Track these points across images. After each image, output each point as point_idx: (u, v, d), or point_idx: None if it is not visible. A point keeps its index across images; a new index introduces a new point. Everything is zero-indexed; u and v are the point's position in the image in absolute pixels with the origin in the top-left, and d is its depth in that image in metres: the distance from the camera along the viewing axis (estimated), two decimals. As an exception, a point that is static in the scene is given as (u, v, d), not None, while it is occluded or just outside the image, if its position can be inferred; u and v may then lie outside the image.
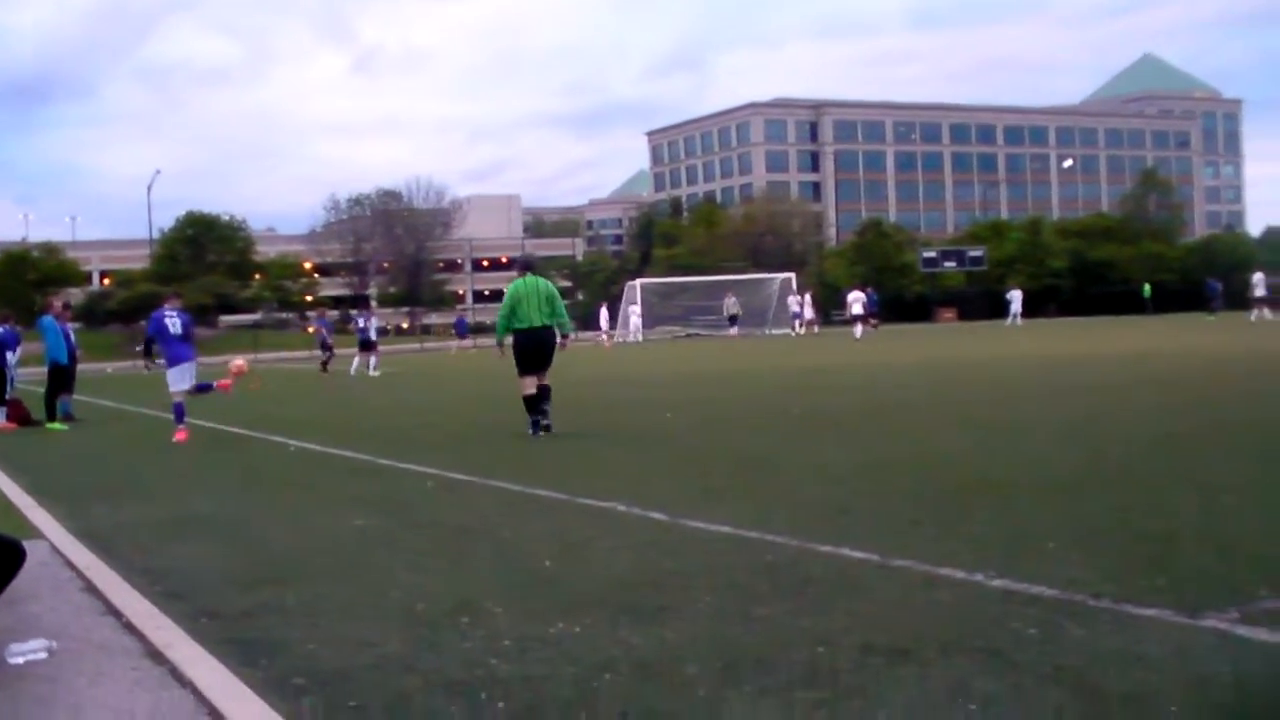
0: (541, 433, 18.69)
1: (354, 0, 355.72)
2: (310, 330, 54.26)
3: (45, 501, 13.83)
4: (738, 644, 6.62)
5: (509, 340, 19.52)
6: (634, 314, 76.77)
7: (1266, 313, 59.92)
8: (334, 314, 69.45)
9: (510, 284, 19.73)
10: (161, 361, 21.93)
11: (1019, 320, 73.73)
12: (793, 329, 74.39)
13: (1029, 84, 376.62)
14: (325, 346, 50.79)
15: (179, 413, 21.58)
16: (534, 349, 19.21)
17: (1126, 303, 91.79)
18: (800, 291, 78.18)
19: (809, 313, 76.52)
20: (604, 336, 74.46)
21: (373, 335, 48.42)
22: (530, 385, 19.01)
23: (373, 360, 46.81)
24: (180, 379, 21.74)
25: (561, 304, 19.91)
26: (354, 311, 65.65)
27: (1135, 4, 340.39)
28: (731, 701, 5.73)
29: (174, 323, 21.83)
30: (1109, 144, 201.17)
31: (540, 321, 19.17)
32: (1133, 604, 6.96)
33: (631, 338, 74.44)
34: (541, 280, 19.63)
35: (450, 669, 6.46)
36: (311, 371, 52.74)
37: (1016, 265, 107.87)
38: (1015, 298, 76.28)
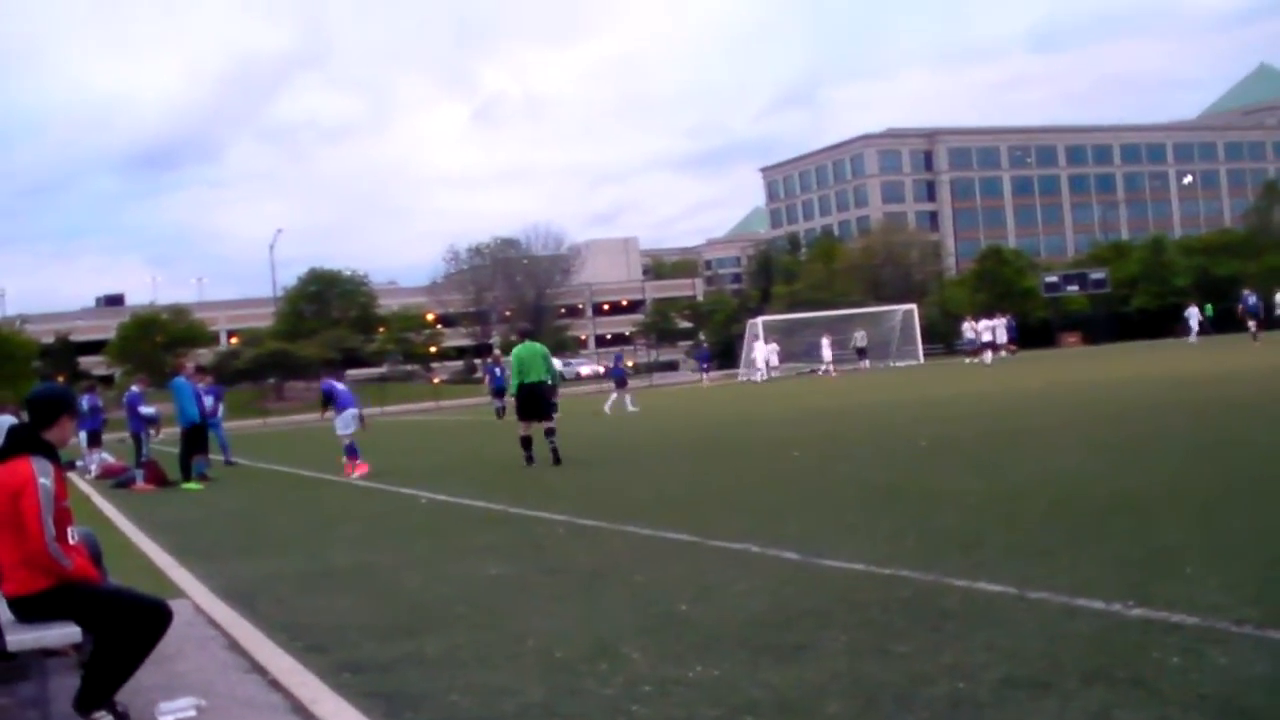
0: (536, 464, 22.88)
1: (475, 51, 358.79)
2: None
3: (185, 560, 14.09)
4: (877, 681, 6.61)
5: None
6: (772, 351, 75.92)
7: None
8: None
9: (515, 348, 24.47)
10: (330, 414, 26.21)
11: (1195, 337, 69.09)
12: (979, 357, 67.44)
13: (1149, 101, 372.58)
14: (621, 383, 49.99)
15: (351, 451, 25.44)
16: (533, 399, 23.48)
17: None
18: (991, 316, 74.24)
19: (1002, 335, 71.99)
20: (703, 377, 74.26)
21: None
22: (526, 429, 23.38)
23: (628, 397, 47.19)
24: (346, 424, 25.60)
25: (553, 363, 24.55)
26: (488, 360, 65.53)
27: (1252, 14, 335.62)
28: (874, 739, 5.73)
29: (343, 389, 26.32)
30: (1229, 157, 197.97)
31: (538, 378, 23.51)
32: (1277, 629, 6.86)
33: (759, 375, 73.59)
34: (538, 344, 24.50)
35: (592, 714, 6.51)
36: (437, 422, 53.17)
37: (1140, 285, 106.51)
38: (1193, 314, 70.73)
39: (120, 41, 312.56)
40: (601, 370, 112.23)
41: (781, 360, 76.15)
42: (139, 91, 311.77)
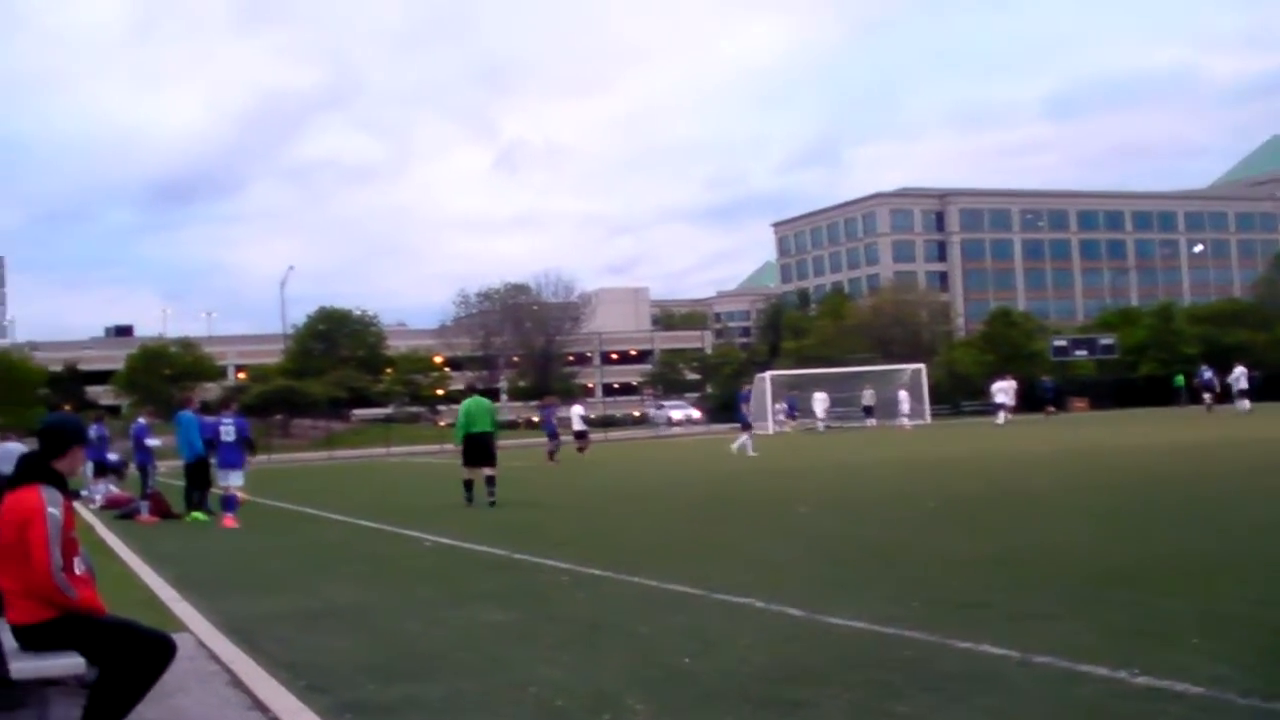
0: (478, 505, 24.98)
1: (498, 98, 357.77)
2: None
3: (188, 593, 14.06)
4: (878, 741, 6.61)
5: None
6: (781, 410, 75.31)
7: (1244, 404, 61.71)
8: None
9: (463, 401, 27.30)
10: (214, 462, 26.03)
11: (1245, 401, 63.38)
12: (999, 418, 66.75)
13: (1161, 169, 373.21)
14: (746, 425, 48.90)
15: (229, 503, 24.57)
16: (479, 448, 25.97)
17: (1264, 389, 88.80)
18: (1004, 378, 73.56)
19: (1010, 400, 71.02)
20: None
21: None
22: (468, 474, 25.97)
23: (748, 440, 46.11)
24: (224, 478, 25.22)
25: (496, 416, 27.56)
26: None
27: (1265, 88, 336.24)
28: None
29: (228, 430, 25.34)
30: (1240, 228, 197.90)
31: (483, 428, 26.07)
32: (1281, 702, 6.86)
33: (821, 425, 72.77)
34: (484, 399, 27.30)
35: (593, 764, 6.51)
36: (441, 465, 53.17)
37: (1148, 352, 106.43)
38: (1241, 374, 64.89)
39: (147, 75, 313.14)
40: (697, 415, 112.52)
41: (790, 416, 75.73)
42: (162, 125, 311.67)
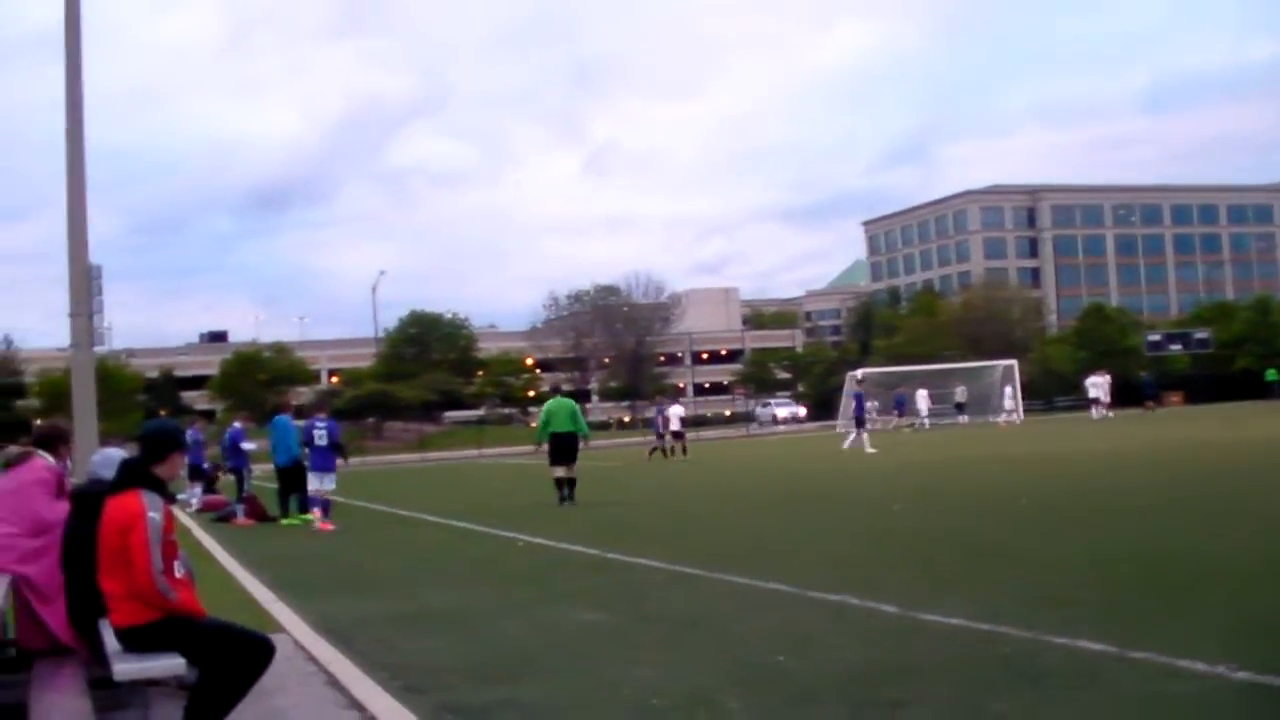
0: (567, 504, 25.69)
1: (588, 101, 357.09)
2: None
3: (284, 595, 14.17)
4: (976, 738, 6.57)
5: (545, 444, 27.04)
6: (874, 408, 74.82)
7: None
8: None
9: (546, 402, 28.51)
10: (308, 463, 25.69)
11: None
12: (1093, 413, 67.76)
13: (1257, 161, 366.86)
14: (860, 422, 48.77)
15: (323, 506, 24.99)
16: (561, 447, 26.62)
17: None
18: (1099, 373, 73.39)
19: (1105, 395, 70.99)
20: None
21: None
22: (558, 471, 26.59)
23: (864, 437, 45.86)
24: (317, 481, 25.20)
25: (581, 416, 27.64)
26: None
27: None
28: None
29: (321, 434, 25.31)
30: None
31: (565, 428, 26.60)
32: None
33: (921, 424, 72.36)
34: (567, 400, 28.20)
35: (689, 763, 6.51)
36: (534, 466, 53.39)
37: (1245, 346, 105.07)
38: None
39: (241, 85, 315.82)
40: (802, 412, 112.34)
41: (899, 413, 75.26)
42: (256, 134, 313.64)
